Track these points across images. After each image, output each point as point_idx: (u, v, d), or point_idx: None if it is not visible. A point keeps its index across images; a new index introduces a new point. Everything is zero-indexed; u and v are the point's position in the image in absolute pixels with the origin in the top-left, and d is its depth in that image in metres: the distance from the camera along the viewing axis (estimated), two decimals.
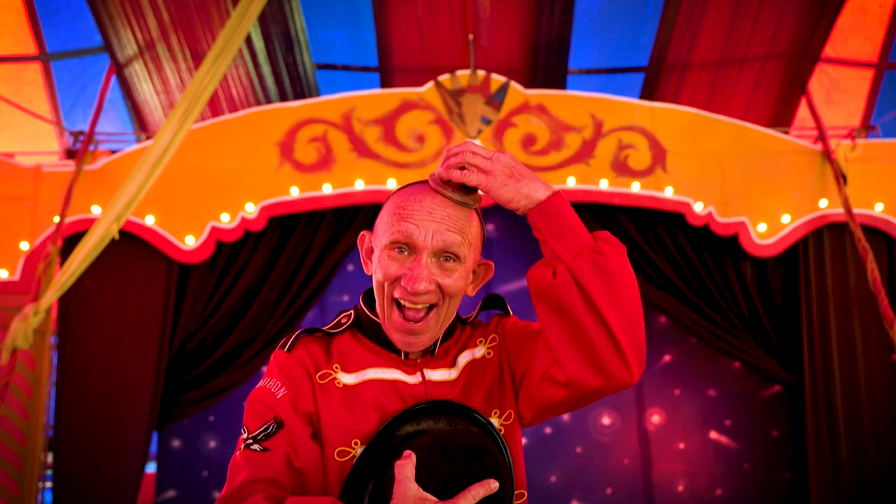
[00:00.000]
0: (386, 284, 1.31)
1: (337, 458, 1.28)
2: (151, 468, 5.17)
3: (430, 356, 1.38)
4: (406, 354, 1.37)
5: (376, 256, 1.34)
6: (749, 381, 5.36)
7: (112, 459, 4.67)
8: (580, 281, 1.20)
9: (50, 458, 4.81)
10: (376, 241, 1.36)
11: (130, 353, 4.78)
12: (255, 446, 1.26)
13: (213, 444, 5.33)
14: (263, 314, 4.97)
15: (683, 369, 5.44)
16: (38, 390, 4.74)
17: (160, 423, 4.86)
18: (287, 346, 1.37)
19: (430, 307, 1.32)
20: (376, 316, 1.37)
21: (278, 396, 1.31)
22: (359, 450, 1.28)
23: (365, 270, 1.41)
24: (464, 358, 1.40)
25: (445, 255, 1.30)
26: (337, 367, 1.35)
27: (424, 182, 1.35)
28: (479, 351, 1.42)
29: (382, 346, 1.38)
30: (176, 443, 5.28)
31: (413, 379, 1.35)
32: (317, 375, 1.34)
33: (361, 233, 1.43)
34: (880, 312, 4.40)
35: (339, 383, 1.34)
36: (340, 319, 1.43)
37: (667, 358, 5.49)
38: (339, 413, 1.31)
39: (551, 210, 1.25)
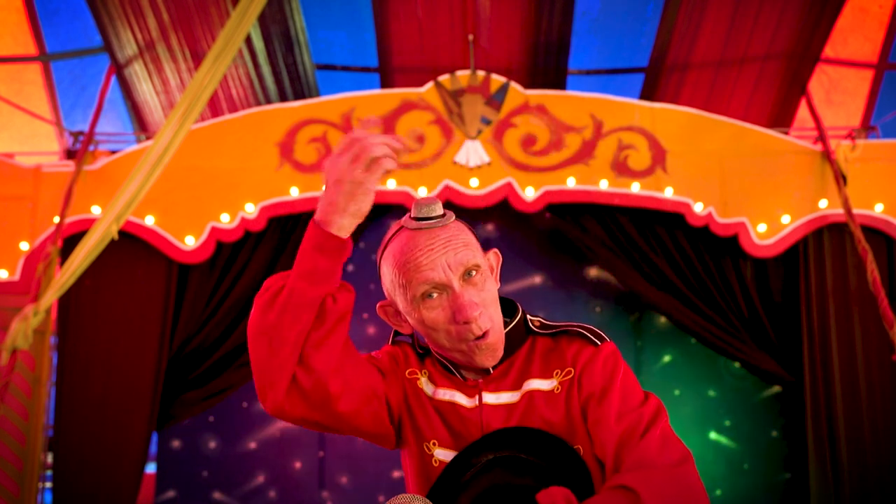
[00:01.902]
0: (447, 334, 1.33)
1: (425, 450, 1.38)
2: (151, 468, 5.17)
3: (487, 374, 1.38)
4: (462, 375, 1.40)
5: (413, 317, 1.35)
6: (749, 382, 5.36)
7: (112, 459, 4.67)
8: None
9: (50, 458, 4.82)
10: (401, 305, 1.36)
11: (130, 354, 4.78)
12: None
13: (212, 444, 5.33)
14: None
15: (683, 370, 5.43)
16: (37, 390, 4.74)
17: (160, 423, 4.86)
18: (391, 341, 1.50)
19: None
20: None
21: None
22: (437, 451, 1.36)
23: (404, 332, 1.43)
24: (531, 385, 1.37)
25: (468, 272, 1.32)
26: (424, 373, 1.43)
27: (400, 229, 1.36)
28: (549, 384, 1.36)
29: (445, 368, 1.42)
30: (176, 443, 5.28)
31: (470, 402, 1.38)
32: (406, 372, 1.43)
33: (379, 305, 1.42)
34: (880, 313, 4.40)
35: (421, 386, 1.42)
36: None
37: (666, 358, 5.50)
38: (425, 411, 1.40)
39: None
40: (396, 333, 1.49)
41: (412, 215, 1.33)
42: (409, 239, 1.32)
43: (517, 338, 1.41)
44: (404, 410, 1.41)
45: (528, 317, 1.45)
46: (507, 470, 1.27)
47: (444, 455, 1.35)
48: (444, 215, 1.33)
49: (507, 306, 1.45)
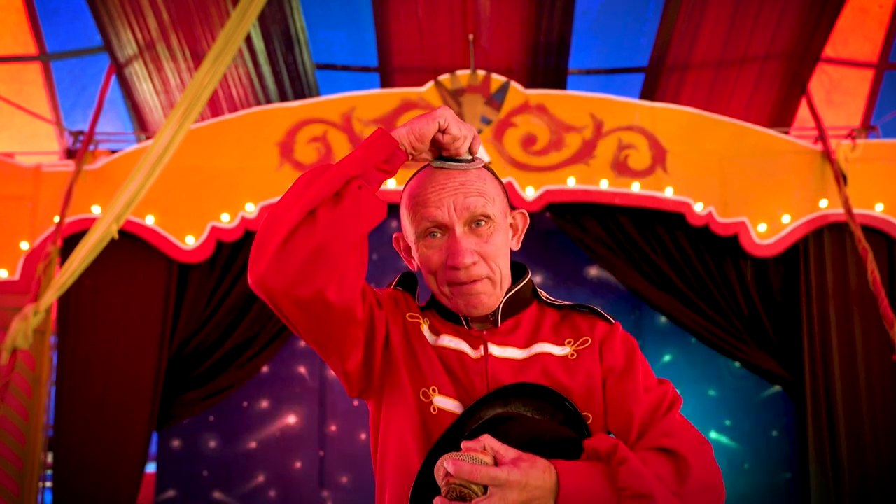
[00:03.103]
0: (437, 275, 1.33)
1: (421, 398, 1.30)
2: (151, 468, 5.17)
3: (494, 328, 1.36)
4: (468, 323, 1.36)
5: (415, 253, 1.35)
6: (749, 382, 5.36)
7: (112, 459, 4.67)
8: None
9: (50, 457, 4.81)
10: (409, 238, 1.37)
11: (130, 353, 4.77)
12: None
13: (212, 444, 5.34)
14: (263, 314, 4.96)
15: (683, 369, 5.44)
16: (37, 390, 4.73)
17: (160, 423, 4.86)
18: (390, 285, 1.46)
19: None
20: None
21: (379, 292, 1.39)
22: (436, 398, 1.29)
23: (412, 269, 1.42)
24: (541, 347, 1.35)
25: (476, 221, 1.30)
26: (426, 321, 1.39)
27: (426, 166, 1.36)
28: (562, 350, 1.35)
29: (448, 317, 1.39)
30: (176, 443, 5.28)
31: (476, 353, 1.34)
32: (406, 315, 1.38)
33: (394, 235, 1.43)
34: (880, 313, 4.40)
35: (422, 330, 1.37)
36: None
37: (667, 358, 5.50)
38: (429, 357, 1.33)
39: None
40: (399, 283, 1.46)
41: (437, 155, 1.34)
42: (427, 175, 1.34)
43: (523, 299, 1.40)
44: (403, 350, 1.34)
45: (536, 288, 1.45)
46: (524, 424, 1.24)
47: (443, 403, 1.29)
48: (471, 160, 1.33)
49: (516, 269, 1.43)
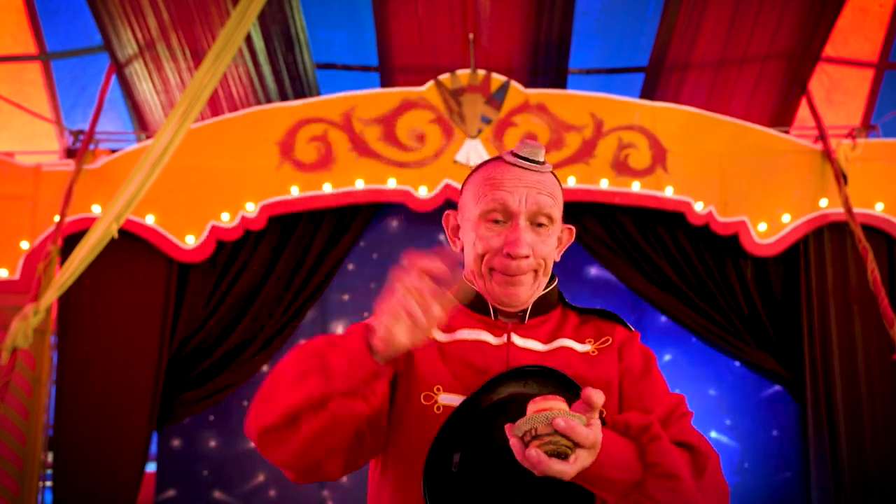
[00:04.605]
0: (486, 256, 1.33)
1: (423, 401, 1.29)
2: (151, 467, 5.17)
3: (521, 322, 1.38)
4: (496, 315, 1.38)
5: (470, 231, 1.35)
6: (749, 381, 5.36)
7: (112, 459, 4.67)
8: None
9: (50, 457, 4.81)
10: (466, 216, 1.37)
11: (130, 353, 4.77)
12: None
13: (212, 443, 5.33)
14: (263, 314, 4.96)
15: (683, 369, 5.44)
16: (38, 390, 4.73)
17: (160, 422, 4.86)
18: None
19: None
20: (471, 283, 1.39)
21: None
22: (441, 395, 1.29)
23: (453, 248, 1.43)
24: (562, 342, 1.37)
25: (539, 220, 1.33)
26: None
27: (497, 158, 1.38)
28: (584, 347, 1.38)
29: (474, 308, 1.39)
30: (176, 442, 5.28)
31: (497, 340, 1.35)
32: None
33: (446, 212, 1.45)
34: (880, 312, 4.40)
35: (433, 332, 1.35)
36: None
37: (667, 357, 5.50)
38: (431, 359, 1.32)
39: (594, 475, 1.15)
40: None
41: (514, 151, 1.35)
42: (503, 164, 1.35)
43: (551, 301, 1.43)
44: (400, 367, 1.32)
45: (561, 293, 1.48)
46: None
47: (449, 399, 1.28)
48: (543, 163, 1.35)
49: None
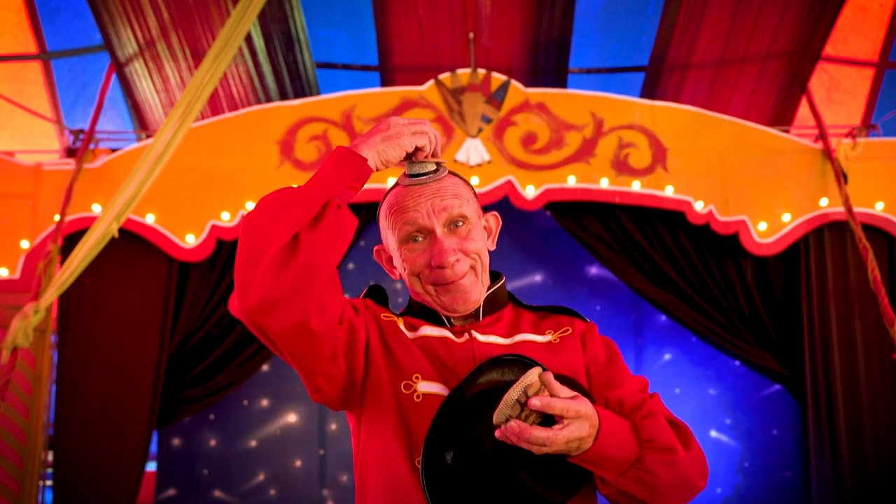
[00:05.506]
0: (421, 277, 1.37)
1: (403, 390, 1.31)
2: (152, 466, 5.17)
3: (476, 321, 1.41)
4: (450, 321, 1.40)
5: (399, 259, 1.40)
6: (749, 380, 5.36)
7: (112, 458, 4.67)
8: (626, 498, 1.23)
9: (50, 456, 4.82)
10: (391, 247, 1.42)
11: (130, 352, 4.78)
12: None
13: (213, 442, 5.34)
14: None
15: (684, 368, 5.44)
16: (38, 389, 4.74)
17: (160, 421, 4.86)
18: (363, 296, 1.48)
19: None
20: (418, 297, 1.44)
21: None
22: (420, 384, 1.31)
23: (394, 277, 1.46)
24: (523, 336, 1.41)
25: (454, 222, 1.36)
26: (401, 321, 1.42)
27: (396, 185, 1.42)
28: (544, 338, 1.41)
29: (431, 321, 1.42)
30: (176, 441, 5.28)
31: (460, 339, 1.39)
32: (381, 315, 1.41)
33: (375, 248, 1.49)
34: (881, 311, 4.40)
35: (399, 327, 1.40)
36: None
37: (667, 356, 5.50)
38: (408, 348, 1.35)
39: (596, 455, 1.19)
40: (369, 293, 1.49)
41: (405, 172, 1.38)
42: (401, 191, 1.39)
43: (501, 299, 1.47)
44: (380, 350, 1.35)
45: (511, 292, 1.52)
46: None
47: (428, 387, 1.31)
48: (436, 171, 1.37)
49: (491, 275, 1.48)
